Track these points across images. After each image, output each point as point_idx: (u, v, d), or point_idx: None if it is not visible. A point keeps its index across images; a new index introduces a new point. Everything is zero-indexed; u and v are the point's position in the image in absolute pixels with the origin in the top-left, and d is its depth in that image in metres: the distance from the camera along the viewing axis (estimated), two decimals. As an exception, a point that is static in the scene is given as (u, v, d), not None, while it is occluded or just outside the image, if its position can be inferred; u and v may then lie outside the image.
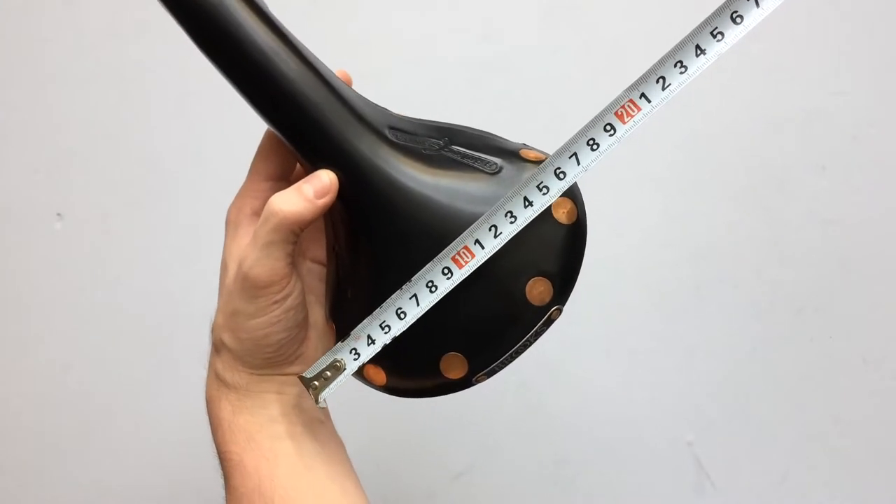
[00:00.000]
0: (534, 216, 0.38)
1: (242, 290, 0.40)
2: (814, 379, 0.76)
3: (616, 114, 0.38)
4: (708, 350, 0.76)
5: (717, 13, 0.36)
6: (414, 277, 0.39)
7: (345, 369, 0.41)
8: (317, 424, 0.44)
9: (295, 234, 0.40)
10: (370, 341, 0.40)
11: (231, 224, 0.43)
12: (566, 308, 0.41)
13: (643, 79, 0.37)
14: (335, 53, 0.74)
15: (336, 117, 0.42)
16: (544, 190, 0.38)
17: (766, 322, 0.76)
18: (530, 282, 0.40)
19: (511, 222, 0.39)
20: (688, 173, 0.75)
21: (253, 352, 0.41)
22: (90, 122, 0.75)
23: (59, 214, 0.76)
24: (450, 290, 0.39)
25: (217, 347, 0.43)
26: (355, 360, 0.41)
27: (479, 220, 0.39)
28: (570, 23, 0.74)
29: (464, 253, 0.39)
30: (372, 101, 0.44)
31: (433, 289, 0.39)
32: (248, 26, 0.41)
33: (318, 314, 0.44)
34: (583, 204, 0.41)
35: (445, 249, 0.39)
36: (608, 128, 0.38)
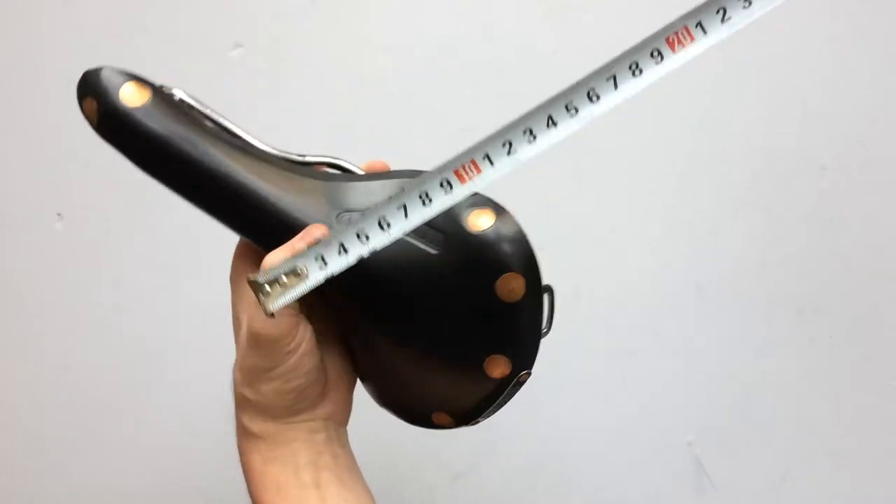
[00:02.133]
0: (559, 138, 0.33)
1: (254, 347, 0.40)
2: (814, 379, 0.76)
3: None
4: (708, 350, 0.76)
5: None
6: (407, 187, 0.34)
7: (307, 278, 0.35)
8: (346, 472, 0.44)
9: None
10: (342, 250, 0.35)
11: (233, 282, 0.44)
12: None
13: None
14: (335, 54, 0.75)
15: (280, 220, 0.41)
16: (573, 111, 0.33)
17: (767, 322, 0.76)
18: (487, 360, 0.40)
19: (530, 142, 0.34)
20: (688, 173, 0.75)
21: (275, 402, 0.41)
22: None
23: (59, 214, 0.76)
24: (446, 207, 0.34)
25: (240, 402, 0.43)
26: (321, 269, 0.35)
27: (496, 132, 0.34)
28: (569, 23, 0.74)
29: (469, 167, 0.34)
30: (334, 174, 0.44)
31: (427, 202, 0.34)
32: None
33: (333, 352, 0.44)
34: (536, 272, 0.40)
35: (448, 161, 0.34)
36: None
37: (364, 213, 0.35)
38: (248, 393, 0.42)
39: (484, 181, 0.34)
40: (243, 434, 0.43)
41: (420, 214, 0.34)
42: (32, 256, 0.76)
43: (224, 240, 0.79)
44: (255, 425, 0.43)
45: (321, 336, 0.43)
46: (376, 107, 0.73)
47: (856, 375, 0.76)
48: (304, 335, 0.41)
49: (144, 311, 0.77)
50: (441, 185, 0.34)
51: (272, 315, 0.36)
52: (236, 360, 0.43)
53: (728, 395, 0.76)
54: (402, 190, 0.34)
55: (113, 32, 0.74)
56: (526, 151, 0.34)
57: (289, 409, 0.42)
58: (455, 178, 0.34)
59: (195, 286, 0.76)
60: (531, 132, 0.34)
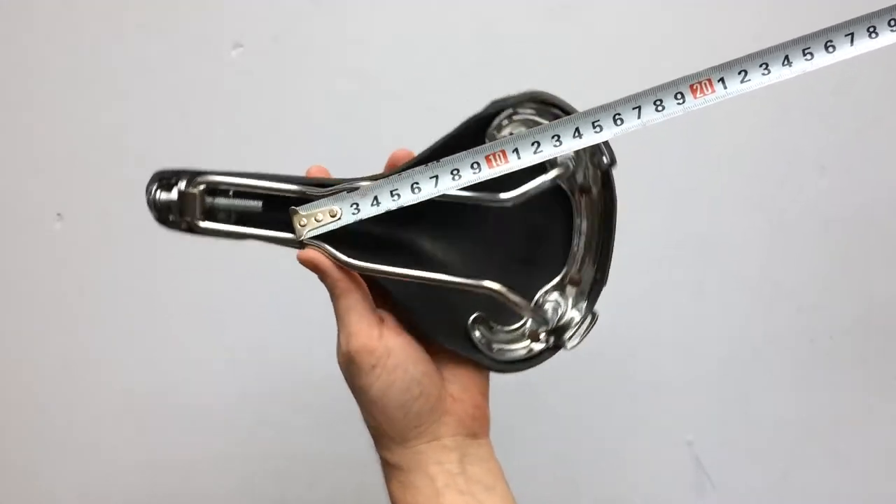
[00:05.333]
0: (584, 145, 0.39)
1: (346, 368, 0.42)
2: (814, 379, 0.76)
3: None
4: (708, 350, 0.76)
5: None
6: (442, 160, 0.40)
7: (339, 219, 0.41)
8: (482, 491, 0.44)
9: (351, 293, 0.42)
10: (375, 202, 0.41)
11: (338, 319, 0.45)
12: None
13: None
14: (335, 54, 0.74)
15: None
16: (597, 128, 0.39)
17: (767, 322, 0.76)
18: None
19: (556, 146, 0.39)
20: (688, 173, 0.75)
21: (392, 423, 0.42)
22: (90, 122, 0.75)
23: (59, 214, 0.76)
24: (472, 183, 0.40)
25: (371, 433, 0.44)
26: (353, 214, 0.41)
27: (527, 132, 0.40)
28: (570, 23, 0.74)
29: (499, 155, 0.40)
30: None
31: (456, 177, 0.40)
32: None
33: (450, 366, 0.45)
34: None
35: (481, 147, 0.40)
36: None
37: (401, 174, 0.41)
38: (369, 421, 0.43)
39: (509, 168, 0.40)
40: (383, 464, 0.44)
41: (449, 184, 0.40)
42: (32, 256, 0.76)
43: (223, 239, 0.79)
44: (388, 454, 0.43)
45: (417, 352, 0.43)
46: (376, 107, 0.73)
47: (856, 375, 0.76)
48: (388, 349, 0.41)
49: (144, 310, 0.77)
50: (472, 165, 0.40)
51: (301, 245, 0.42)
52: (354, 396, 0.44)
53: (728, 395, 0.76)
54: (438, 163, 0.40)
55: (113, 32, 0.74)
56: (550, 151, 0.40)
57: (409, 430, 0.42)
58: (485, 161, 0.40)
59: (195, 286, 0.76)
60: (558, 138, 0.40)
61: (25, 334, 0.77)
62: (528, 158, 0.39)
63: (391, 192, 0.40)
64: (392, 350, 0.42)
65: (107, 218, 0.76)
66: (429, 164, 0.40)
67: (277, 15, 0.73)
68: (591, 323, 0.45)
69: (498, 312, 0.45)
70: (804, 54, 0.38)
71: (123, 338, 0.77)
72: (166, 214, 0.44)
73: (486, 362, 0.44)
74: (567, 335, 0.45)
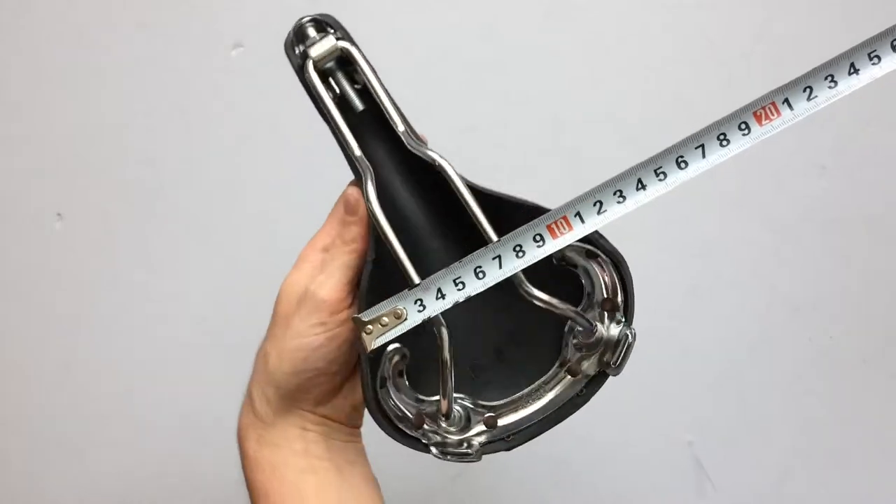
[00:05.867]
0: (647, 200, 0.37)
1: (301, 306, 0.41)
2: (814, 379, 0.76)
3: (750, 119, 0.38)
4: (707, 350, 0.76)
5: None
6: (503, 238, 0.38)
7: (405, 320, 0.38)
8: (345, 464, 0.44)
9: (357, 255, 0.42)
10: (440, 295, 0.38)
11: (301, 258, 0.45)
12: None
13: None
14: (335, 53, 0.74)
15: None
16: (661, 176, 0.37)
17: (766, 322, 0.76)
18: None
19: (619, 202, 0.37)
20: (688, 173, 0.75)
21: (289, 375, 0.42)
22: (90, 122, 0.75)
23: (59, 214, 0.76)
24: (538, 259, 0.37)
25: (257, 370, 0.44)
26: (419, 311, 0.38)
27: (585, 192, 0.37)
28: (570, 23, 0.74)
29: (561, 223, 0.37)
30: None
31: (520, 253, 0.37)
32: None
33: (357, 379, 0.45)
34: None
35: (542, 216, 0.38)
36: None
37: (462, 261, 0.38)
38: (271, 359, 0.42)
39: (574, 237, 0.37)
40: (249, 412, 0.44)
41: (513, 265, 0.37)
42: (32, 256, 0.76)
43: (224, 240, 0.79)
44: (261, 404, 0.43)
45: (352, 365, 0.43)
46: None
47: (855, 375, 0.76)
48: (342, 323, 0.41)
49: (144, 310, 0.77)
50: (534, 238, 0.37)
51: (371, 353, 0.39)
52: (269, 331, 0.43)
53: (728, 395, 0.76)
54: (499, 241, 0.38)
55: (113, 32, 0.74)
56: (615, 210, 0.37)
57: (298, 389, 0.42)
58: (547, 232, 0.37)
59: (195, 286, 0.76)
60: (621, 193, 0.37)
61: (25, 334, 0.77)
62: (592, 221, 0.37)
63: (454, 280, 0.38)
64: (344, 326, 0.41)
65: (107, 218, 0.76)
66: (489, 245, 0.38)
67: (277, 15, 0.73)
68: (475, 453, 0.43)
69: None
70: (871, 58, 0.36)
71: (123, 338, 0.77)
72: (297, 44, 0.44)
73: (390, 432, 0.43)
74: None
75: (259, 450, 0.43)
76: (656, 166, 0.37)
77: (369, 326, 0.38)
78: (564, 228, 0.37)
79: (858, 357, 0.76)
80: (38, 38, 0.75)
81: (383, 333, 0.38)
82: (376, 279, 0.41)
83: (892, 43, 0.35)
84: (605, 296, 0.43)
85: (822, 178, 0.74)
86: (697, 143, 0.36)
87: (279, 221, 0.75)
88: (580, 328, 0.43)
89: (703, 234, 0.75)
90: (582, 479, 0.77)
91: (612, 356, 0.43)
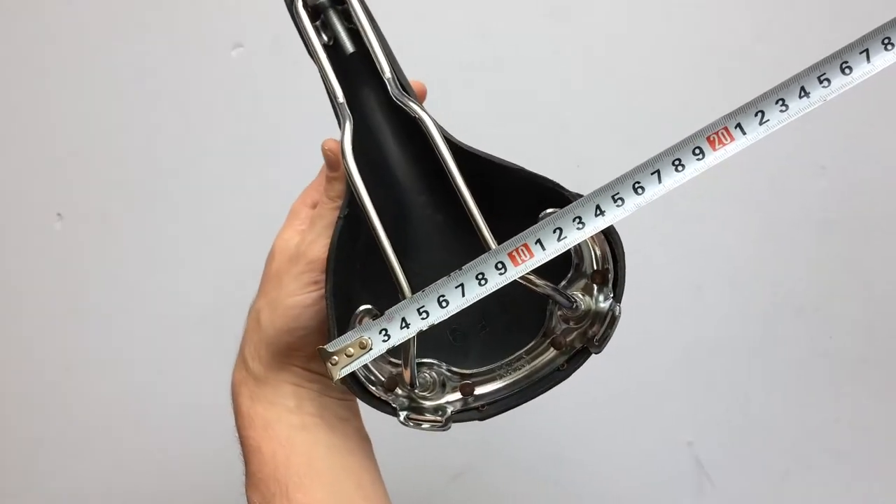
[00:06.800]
0: (605, 226, 0.37)
1: (293, 264, 0.42)
2: (814, 379, 0.76)
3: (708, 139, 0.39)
4: (708, 350, 0.76)
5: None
6: (464, 267, 0.38)
7: (370, 350, 0.38)
8: (337, 421, 0.44)
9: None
10: (404, 325, 0.38)
11: (292, 213, 0.45)
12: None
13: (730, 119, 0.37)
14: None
15: None
16: (619, 202, 0.38)
17: (766, 322, 0.76)
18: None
19: (579, 228, 0.37)
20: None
21: (282, 332, 0.42)
22: (90, 122, 0.75)
23: (59, 214, 0.76)
24: (500, 286, 0.37)
25: (250, 328, 0.44)
26: (384, 341, 0.38)
27: (545, 220, 0.37)
28: (570, 23, 0.74)
29: (522, 250, 0.37)
30: None
31: (482, 282, 0.37)
32: None
33: None
34: None
35: (502, 244, 0.38)
36: (697, 151, 0.40)
37: (425, 290, 0.38)
38: (263, 316, 0.42)
39: (535, 263, 0.37)
40: (242, 367, 0.44)
41: (475, 293, 0.38)
42: (32, 256, 0.76)
43: (223, 240, 0.79)
44: (252, 359, 0.43)
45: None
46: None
47: (856, 375, 0.76)
48: None
49: (144, 310, 0.77)
50: (496, 266, 0.38)
51: (338, 382, 0.39)
52: (261, 289, 0.43)
53: (728, 395, 0.76)
54: (461, 270, 0.38)
55: (113, 33, 0.74)
56: (574, 236, 0.37)
57: (290, 347, 0.42)
58: (509, 259, 0.38)
59: (194, 286, 0.76)
60: (580, 220, 0.38)
61: (25, 334, 0.77)
62: (553, 248, 0.37)
63: (418, 310, 0.38)
64: None
65: (107, 218, 0.76)
66: (451, 274, 0.38)
67: (277, 15, 0.73)
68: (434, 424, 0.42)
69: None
70: (820, 81, 0.38)
71: (123, 338, 0.77)
72: None
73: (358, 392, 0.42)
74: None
75: (252, 406, 0.43)
76: (613, 192, 0.38)
77: (335, 357, 0.39)
78: (525, 255, 0.37)
79: (858, 357, 0.76)
80: (38, 38, 0.75)
81: (347, 364, 0.39)
82: (346, 235, 0.41)
83: (861, 52, 0.37)
84: (595, 268, 0.42)
85: (822, 178, 0.74)
86: (652, 169, 0.38)
87: (279, 221, 0.75)
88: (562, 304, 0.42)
89: (703, 234, 0.75)
90: (582, 478, 0.77)
91: (597, 332, 0.43)
